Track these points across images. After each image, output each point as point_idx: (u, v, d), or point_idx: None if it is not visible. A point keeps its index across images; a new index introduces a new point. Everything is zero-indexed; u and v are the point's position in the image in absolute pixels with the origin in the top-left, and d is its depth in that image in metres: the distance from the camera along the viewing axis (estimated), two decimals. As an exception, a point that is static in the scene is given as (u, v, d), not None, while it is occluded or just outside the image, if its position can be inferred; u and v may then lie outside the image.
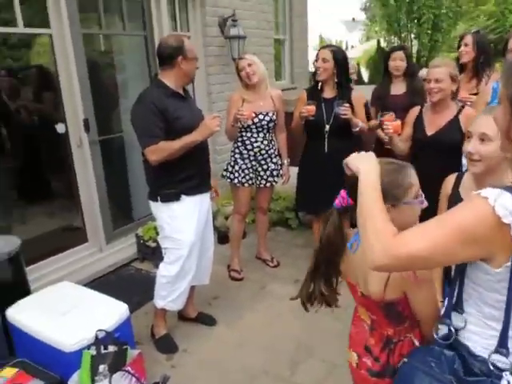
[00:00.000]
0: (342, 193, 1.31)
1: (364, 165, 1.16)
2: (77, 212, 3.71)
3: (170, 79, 2.41)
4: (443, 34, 12.10)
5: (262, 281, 3.51)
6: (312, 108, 2.96)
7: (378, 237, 0.99)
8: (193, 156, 2.41)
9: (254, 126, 3.27)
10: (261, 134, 3.31)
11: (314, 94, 3.12)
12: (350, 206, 1.29)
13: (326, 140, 3.09)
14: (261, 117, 3.26)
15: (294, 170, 4.23)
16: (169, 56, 2.37)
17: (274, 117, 3.32)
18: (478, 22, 13.69)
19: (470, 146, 1.65)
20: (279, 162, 3.48)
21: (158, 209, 2.50)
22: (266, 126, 3.30)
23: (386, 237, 0.98)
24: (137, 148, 3.97)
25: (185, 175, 2.45)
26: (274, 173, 3.46)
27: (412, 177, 1.27)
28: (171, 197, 2.45)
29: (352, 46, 30.19)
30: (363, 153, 1.23)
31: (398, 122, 2.61)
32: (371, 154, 1.22)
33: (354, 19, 38.61)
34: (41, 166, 4.09)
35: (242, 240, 3.71)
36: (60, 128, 3.44)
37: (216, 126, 2.33)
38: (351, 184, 1.21)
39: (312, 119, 3.03)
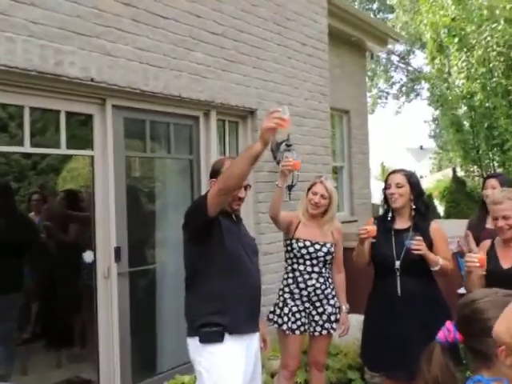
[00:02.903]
0: (448, 325, 1.32)
1: None
2: (92, 360, 3.73)
3: None
4: (533, 162, 12.37)
5: None
6: (373, 229, 3.03)
7: None
8: (239, 282, 2.53)
9: (308, 257, 3.36)
10: (316, 269, 3.38)
11: (383, 224, 3.23)
12: (457, 342, 1.29)
13: (399, 280, 3.08)
14: (317, 247, 3.36)
15: (358, 319, 4.15)
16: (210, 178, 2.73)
17: (332, 249, 3.42)
18: None
19: None
20: (337, 305, 3.47)
21: (197, 351, 2.51)
22: (322, 259, 3.38)
23: None
24: (170, 283, 4.18)
25: (229, 304, 2.50)
26: (332, 318, 3.41)
27: None
28: (212, 337, 2.46)
29: (421, 177, 31.17)
30: None
31: (483, 256, 2.67)
32: None
33: (421, 147, 40.51)
34: (58, 303, 4.27)
35: (293, 406, 3.53)
36: (88, 256, 3.69)
37: (273, 121, 2.17)
38: (463, 315, 1.23)
39: (379, 254, 3.10)
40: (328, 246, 3.40)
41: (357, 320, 4.35)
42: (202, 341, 2.48)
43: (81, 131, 3.76)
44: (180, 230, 2.66)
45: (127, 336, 3.76)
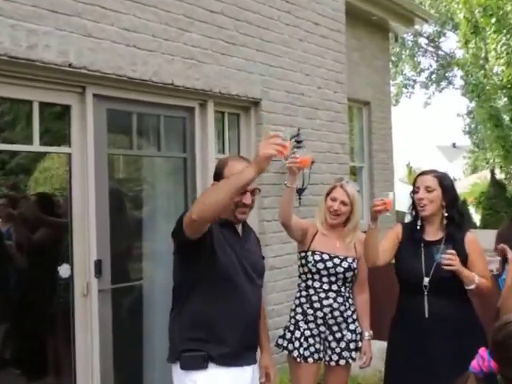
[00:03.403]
0: (482, 352, 1.32)
1: None
2: (68, 390, 3.73)
3: None
4: None
5: None
6: (390, 201, 2.99)
7: None
8: (231, 308, 2.50)
9: (325, 273, 3.34)
10: (334, 287, 3.36)
11: (412, 233, 3.22)
12: (493, 372, 1.29)
13: (426, 300, 3.08)
14: (336, 261, 3.35)
15: (380, 346, 4.14)
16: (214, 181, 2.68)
17: (355, 264, 3.41)
18: None
19: None
20: (358, 331, 3.46)
21: (181, 380, 2.50)
22: (341, 276, 3.37)
23: None
24: (159, 302, 4.17)
25: (218, 332, 2.48)
26: (351, 345, 3.40)
27: None
28: (195, 362, 2.45)
29: (455, 179, 31.20)
30: None
31: None
32: None
33: (454, 145, 40.62)
34: (29, 325, 4.26)
35: None
36: (64, 271, 3.68)
37: (272, 148, 2.11)
38: (496, 340, 1.23)
39: (405, 269, 3.10)
40: (349, 260, 3.39)
41: (378, 348, 4.35)
42: (182, 367, 2.47)
43: (56, 125, 3.77)
44: (171, 241, 2.63)
45: (109, 363, 3.75)
